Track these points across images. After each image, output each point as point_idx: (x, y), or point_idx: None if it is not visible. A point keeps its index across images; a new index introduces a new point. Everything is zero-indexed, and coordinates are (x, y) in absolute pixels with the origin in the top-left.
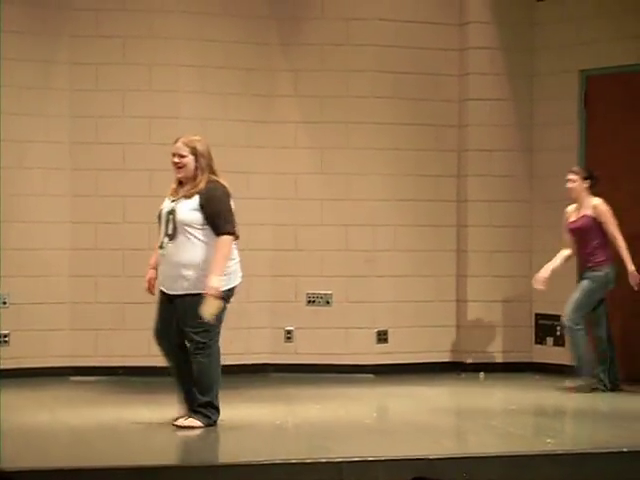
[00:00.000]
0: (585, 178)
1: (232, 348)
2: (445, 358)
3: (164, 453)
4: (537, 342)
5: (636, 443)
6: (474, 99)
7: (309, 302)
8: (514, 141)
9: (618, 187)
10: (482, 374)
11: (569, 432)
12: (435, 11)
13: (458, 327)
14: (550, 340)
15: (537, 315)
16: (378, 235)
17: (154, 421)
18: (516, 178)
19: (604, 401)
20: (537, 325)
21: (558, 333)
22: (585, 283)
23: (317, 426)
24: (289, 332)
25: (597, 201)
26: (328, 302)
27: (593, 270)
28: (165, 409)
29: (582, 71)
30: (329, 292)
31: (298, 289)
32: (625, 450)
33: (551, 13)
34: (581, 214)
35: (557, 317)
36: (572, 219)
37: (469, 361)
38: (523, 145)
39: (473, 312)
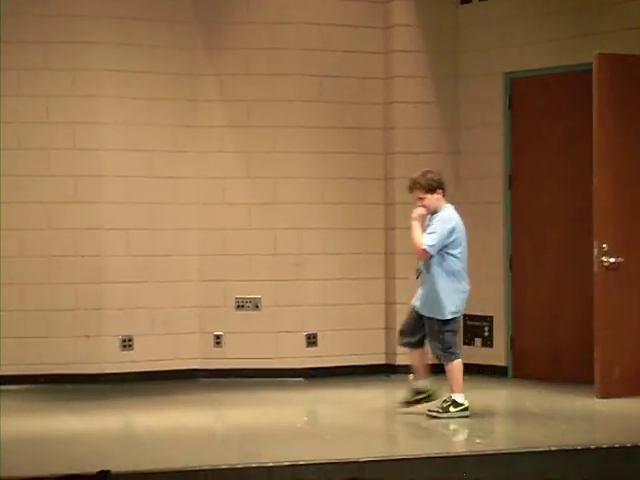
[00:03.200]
0: None
1: (161, 354)
2: (375, 360)
3: (93, 461)
4: (466, 343)
5: (563, 442)
6: (400, 102)
7: (238, 306)
8: (440, 143)
9: (542, 187)
10: (412, 376)
11: (498, 432)
12: (360, 14)
13: (387, 329)
14: (479, 341)
15: (466, 316)
16: (306, 238)
17: (81, 429)
18: None
19: (532, 401)
20: (466, 326)
21: (486, 334)
22: None
23: (248, 431)
24: (218, 337)
25: None
26: (257, 306)
27: None
28: (92, 416)
29: (506, 74)
30: (258, 296)
31: (227, 293)
32: (553, 449)
33: (475, 16)
34: None
35: (486, 318)
36: None
37: (399, 363)
38: (449, 147)
39: (402, 314)
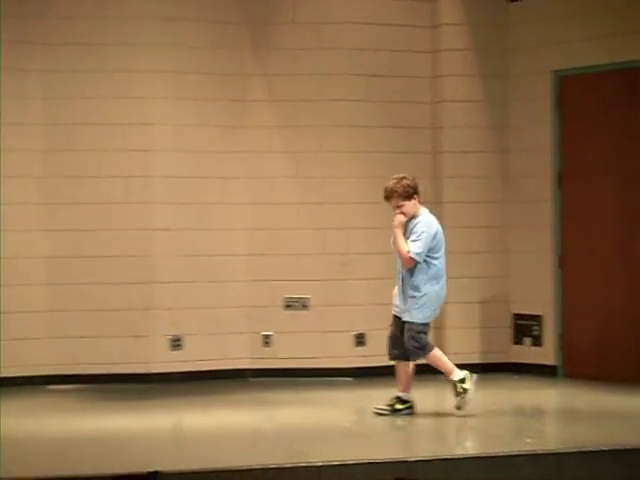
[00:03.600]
0: None
1: (210, 353)
2: (423, 360)
3: (142, 460)
4: (515, 342)
5: (614, 442)
6: (448, 101)
7: (286, 306)
8: (488, 142)
9: (591, 186)
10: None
11: (548, 432)
12: (407, 13)
13: (436, 328)
14: (528, 340)
15: (515, 315)
16: (353, 238)
17: (131, 428)
18: (491, 179)
19: (582, 400)
20: (515, 325)
21: (536, 333)
22: None
23: (296, 430)
24: (267, 337)
25: None
26: (305, 306)
27: None
28: (142, 416)
29: (555, 71)
30: (306, 296)
31: (275, 293)
32: (604, 449)
33: (523, 14)
34: None
35: (535, 317)
36: None
37: None
38: (497, 146)
39: (451, 313)
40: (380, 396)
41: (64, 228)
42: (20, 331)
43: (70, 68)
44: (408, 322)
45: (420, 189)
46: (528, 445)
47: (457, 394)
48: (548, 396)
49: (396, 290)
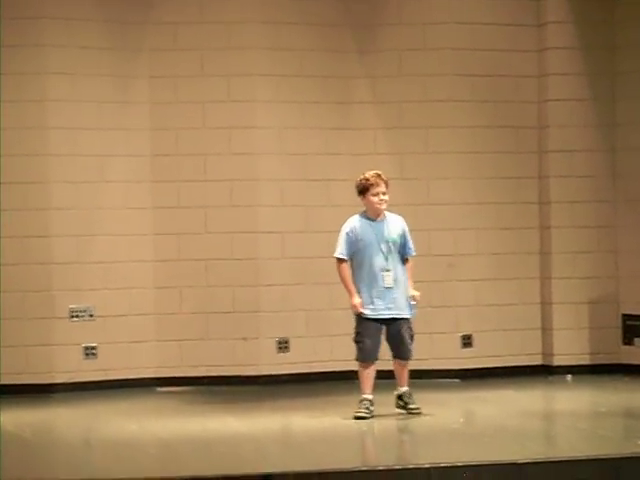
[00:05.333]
0: None
1: (317, 355)
2: (531, 361)
3: (251, 462)
4: (625, 343)
5: None
6: (554, 100)
7: None
8: (596, 141)
9: None
10: (569, 376)
11: None
12: (512, 12)
13: (544, 330)
14: (638, 341)
15: (624, 316)
16: (459, 239)
17: (240, 430)
18: (598, 178)
19: None
20: (625, 326)
21: None
22: None
23: (404, 432)
24: None
25: None
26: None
27: None
28: (251, 418)
29: None
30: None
31: None
32: None
33: (631, 10)
34: None
35: None
36: None
37: (556, 364)
38: (605, 145)
39: (558, 314)
40: (488, 397)
41: (171, 232)
42: (130, 334)
43: (175, 73)
44: (406, 319)
45: (522, 189)
46: (639, 447)
47: (408, 407)
48: None
49: (366, 291)
